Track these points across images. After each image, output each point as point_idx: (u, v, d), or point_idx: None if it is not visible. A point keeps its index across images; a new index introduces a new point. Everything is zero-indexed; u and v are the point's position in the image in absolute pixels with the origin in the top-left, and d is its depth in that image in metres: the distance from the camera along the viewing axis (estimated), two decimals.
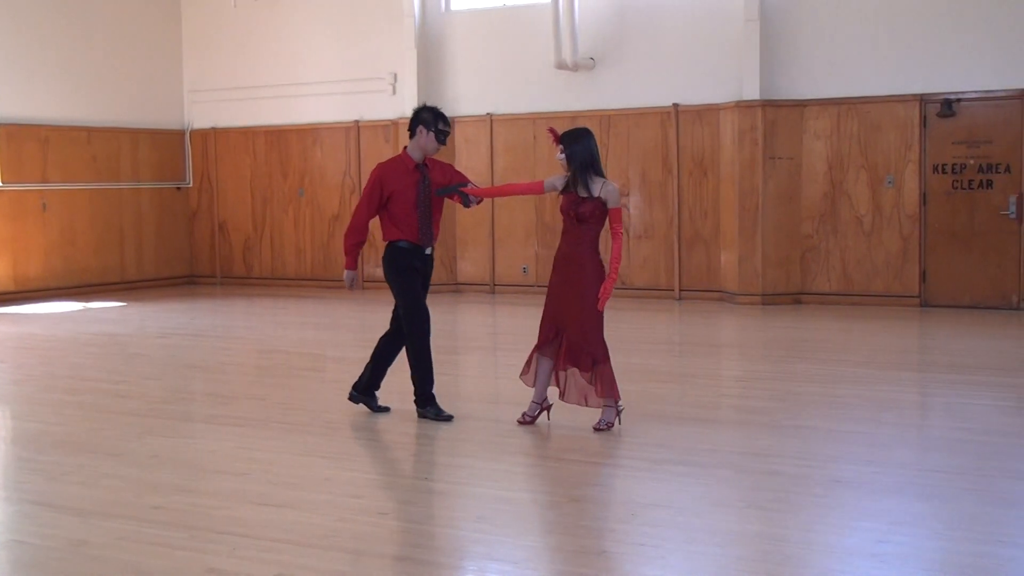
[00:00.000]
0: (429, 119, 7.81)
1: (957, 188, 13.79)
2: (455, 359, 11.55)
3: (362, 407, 8.20)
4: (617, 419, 7.47)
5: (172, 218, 18.65)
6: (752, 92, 14.43)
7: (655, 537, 5.33)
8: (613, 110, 15.62)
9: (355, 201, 17.36)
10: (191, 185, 18.81)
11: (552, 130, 7.65)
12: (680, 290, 15.36)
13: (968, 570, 4.84)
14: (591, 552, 5.15)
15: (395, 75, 16.99)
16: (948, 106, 13.73)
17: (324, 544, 5.24)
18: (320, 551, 5.14)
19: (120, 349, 11.75)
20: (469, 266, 16.78)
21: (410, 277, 7.88)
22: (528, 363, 7.65)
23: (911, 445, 7.21)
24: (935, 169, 13.89)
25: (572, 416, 7.71)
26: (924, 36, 13.84)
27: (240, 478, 6.46)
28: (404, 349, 8.01)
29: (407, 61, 16.69)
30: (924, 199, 13.95)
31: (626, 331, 12.51)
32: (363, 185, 17.28)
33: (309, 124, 17.80)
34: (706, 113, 14.97)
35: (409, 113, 16.97)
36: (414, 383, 7.91)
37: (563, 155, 7.38)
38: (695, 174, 15.21)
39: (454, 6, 16.83)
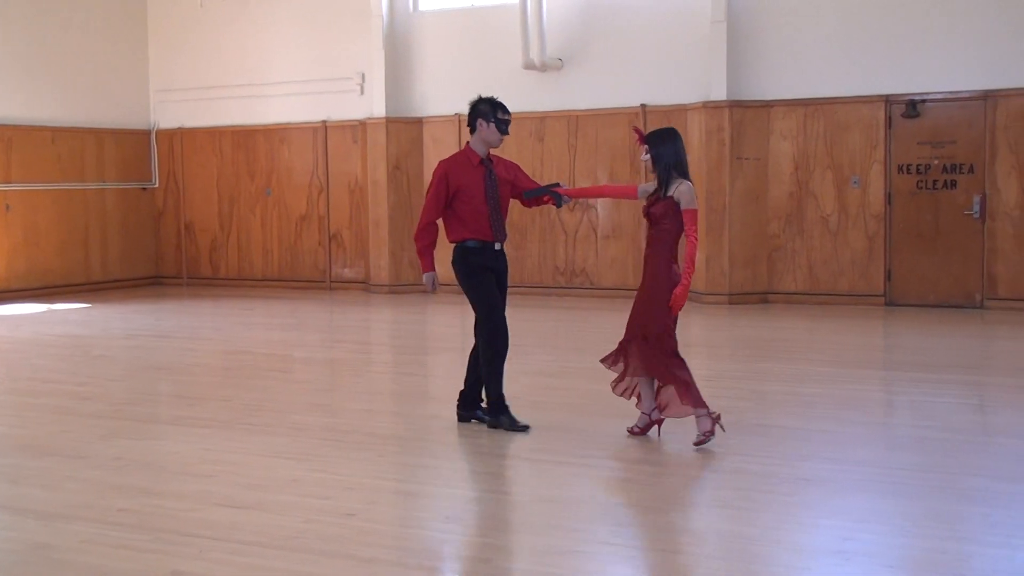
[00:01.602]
0: (487, 110, 7.51)
1: (922, 188, 13.89)
2: (424, 359, 11.54)
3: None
4: (718, 425, 7.01)
5: (138, 218, 18.53)
6: (719, 93, 14.49)
7: (623, 536, 5.34)
8: (581, 110, 15.64)
9: (323, 201, 17.33)
10: (157, 185, 18.69)
11: (637, 129, 7.39)
12: None
13: (932, 566, 4.88)
14: (560, 552, 5.15)
15: (363, 75, 16.95)
16: (913, 107, 13.83)
17: (291, 546, 5.21)
18: (287, 552, 5.12)
19: (84, 351, 11.66)
20: (439, 266, 16.69)
21: (484, 279, 7.55)
22: (616, 356, 7.31)
23: (876, 443, 7.26)
24: (900, 169, 13.99)
25: (535, 415, 7.70)
26: (889, 37, 13.94)
27: (206, 480, 6.42)
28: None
29: (375, 61, 16.65)
30: (889, 199, 14.04)
31: (594, 332, 12.53)
32: (331, 185, 17.32)
33: (276, 124, 17.72)
34: (673, 113, 15.00)
35: (377, 113, 16.97)
36: (487, 392, 7.56)
37: (648, 156, 7.05)
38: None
39: (422, 6, 16.80)
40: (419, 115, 16.72)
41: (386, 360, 11.71)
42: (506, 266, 7.75)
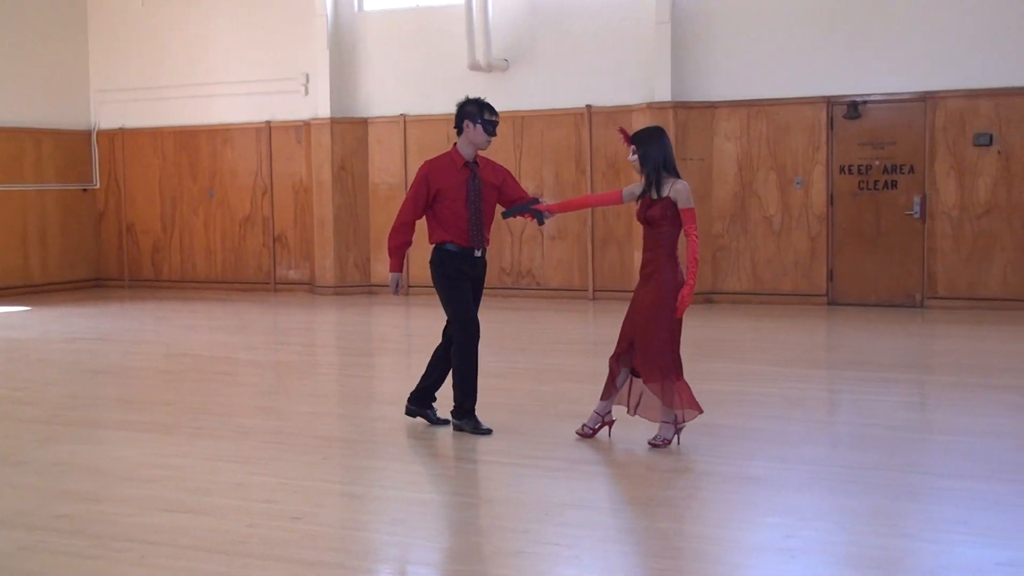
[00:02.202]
0: (474, 111, 7.39)
1: (863, 189, 14.05)
2: (370, 361, 11.49)
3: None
4: (676, 436, 7.01)
5: (78, 220, 18.28)
6: (664, 94, 14.57)
7: (569, 536, 5.35)
8: (527, 111, 15.66)
9: (267, 203, 17.21)
10: (98, 186, 18.46)
11: (623, 130, 7.16)
12: (594, 290, 15.45)
13: (874, 563, 4.93)
14: (507, 553, 5.15)
15: (307, 75, 16.85)
16: (854, 108, 13.99)
17: (235, 550, 5.17)
18: (231, 557, 5.07)
19: (22, 355, 11.49)
20: (383, 267, 16.67)
21: (459, 283, 7.38)
22: (611, 375, 7.17)
23: (819, 441, 7.33)
24: (842, 170, 14.14)
25: (481, 416, 7.70)
26: (831, 40, 14.09)
27: (149, 485, 6.34)
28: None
29: (319, 61, 16.56)
30: (831, 199, 14.19)
31: (541, 332, 12.56)
32: (275, 186, 17.20)
33: (219, 125, 17.57)
34: (618, 114, 15.07)
35: (321, 114, 16.86)
36: (455, 395, 7.48)
37: (635, 156, 6.91)
38: (608, 175, 15.30)
39: (367, 6, 16.74)
40: (364, 116, 16.65)
41: (332, 362, 11.65)
42: (484, 272, 7.61)
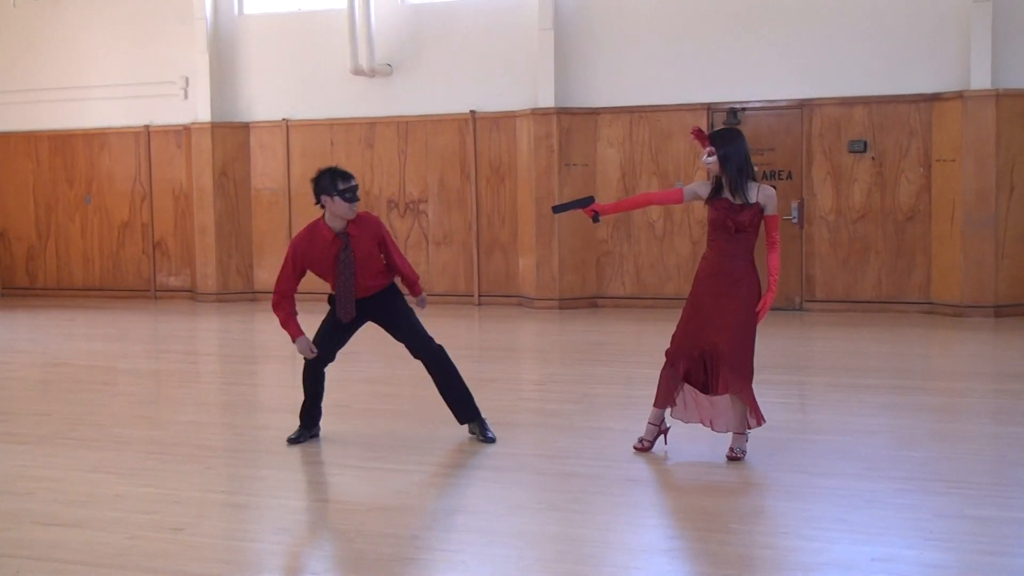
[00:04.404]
0: (327, 185, 7.04)
1: None
2: (253, 369, 11.35)
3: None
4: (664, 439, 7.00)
5: None
6: (547, 100, 14.67)
7: (456, 542, 5.35)
8: (411, 116, 15.63)
9: (146, 208, 16.91)
10: None
11: (698, 130, 6.70)
12: (479, 295, 15.48)
13: (756, 561, 5.03)
14: (394, 560, 5.13)
15: (187, 79, 16.57)
16: (734, 115, 14.26)
17: (115, 563, 5.06)
18: (110, 570, 4.96)
19: None
20: (266, 273, 16.49)
21: (328, 324, 7.36)
22: (664, 388, 6.92)
23: (701, 443, 7.43)
24: None
25: (365, 423, 7.65)
26: (710, 48, 14.35)
27: (23, 497, 6.17)
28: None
29: (199, 65, 16.30)
30: None
31: None
32: (155, 192, 16.88)
33: (96, 128, 17.17)
34: (503, 120, 15.13)
35: (202, 118, 16.58)
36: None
37: (712, 158, 6.58)
38: (492, 181, 15.35)
39: (247, 10, 16.53)
40: (246, 120, 16.44)
41: (213, 370, 11.47)
42: (386, 307, 7.44)
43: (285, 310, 7.23)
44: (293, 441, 7.38)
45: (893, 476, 6.37)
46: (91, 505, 6.01)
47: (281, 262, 7.35)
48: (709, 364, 6.71)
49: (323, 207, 7.13)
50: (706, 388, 6.76)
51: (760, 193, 6.62)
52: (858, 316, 13.64)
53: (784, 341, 12.03)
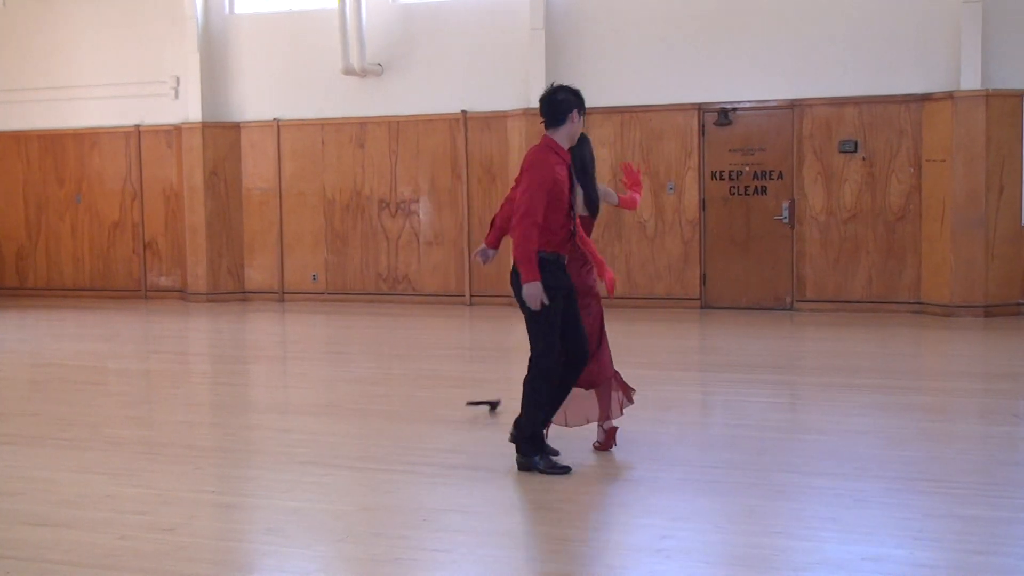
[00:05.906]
0: (581, 102, 6.64)
1: (734, 194, 14.35)
2: (244, 368, 11.33)
3: None
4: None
5: None
6: (537, 99, 14.63)
7: (447, 542, 5.35)
8: (402, 116, 15.62)
9: (137, 208, 16.86)
10: None
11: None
12: (471, 295, 15.47)
13: (747, 560, 5.03)
14: (384, 560, 5.12)
15: (177, 79, 16.54)
16: (724, 115, 14.27)
17: (106, 564, 5.04)
18: (101, 571, 4.95)
19: None
20: (257, 273, 16.48)
21: (553, 303, 6.40)
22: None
23: (692, 443, 7.44)
24: (713, 176, 14.41)
25: (357, 422, 7.66)
26: (702, 48, 14.37)
27: (14, 498, 6.15)
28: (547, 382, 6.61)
29: (190, 64, 16.28)
30: (703, 205, 14.46)
31: (417, 338, 12.53)
32: (145, 192, 16.83)
33: (87, 128, 17.13)
34: (494, 120, 15.13)
35: (192, 118, 16.49)
36: (516, 424, 6.61)
37: None
38: (484, 180, 15.35)
39: (238, 9, 16.51)
40: (237, 120, 16.42)
41: (204, 370, 11.45)
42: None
43: (537, 243, 6.29)
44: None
45: (883, 476, 6.38)
46: (81, 506, 6.00)
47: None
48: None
49: (559, 124, 6.64)
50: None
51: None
52: (848, 316, 13.66)
53: (775, 341, 12.05)
